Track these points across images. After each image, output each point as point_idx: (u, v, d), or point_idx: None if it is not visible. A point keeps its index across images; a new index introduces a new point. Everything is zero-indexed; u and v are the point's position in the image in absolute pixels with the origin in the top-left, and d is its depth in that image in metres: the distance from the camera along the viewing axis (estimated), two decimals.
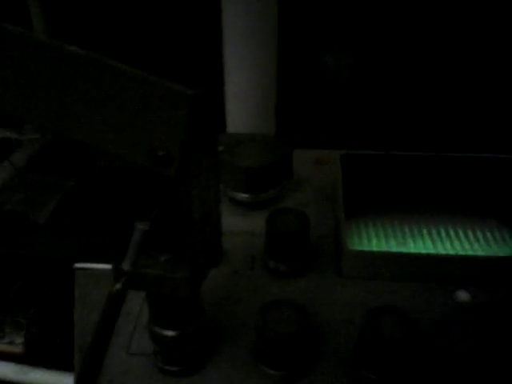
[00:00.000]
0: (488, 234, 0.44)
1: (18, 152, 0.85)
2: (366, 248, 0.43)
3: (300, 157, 0.48)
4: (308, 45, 0.81)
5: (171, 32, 0.84)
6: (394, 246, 0.43)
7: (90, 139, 0.22)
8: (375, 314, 0.30)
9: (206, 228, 0.26)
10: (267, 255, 0.38)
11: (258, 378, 0.31)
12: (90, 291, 0.38)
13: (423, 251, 0.43)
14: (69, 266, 0.39)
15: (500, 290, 0.35)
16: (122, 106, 0.21)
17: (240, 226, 0.42)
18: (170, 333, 0.29)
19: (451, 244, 0.43)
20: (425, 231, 0.45)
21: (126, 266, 0.25)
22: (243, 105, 0.55)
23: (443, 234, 0.44)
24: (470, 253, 0.42)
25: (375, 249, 0.43)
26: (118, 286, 0.26)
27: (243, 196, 0.43)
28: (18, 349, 0.71)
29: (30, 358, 0.70)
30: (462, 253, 0.42)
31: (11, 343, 0.71)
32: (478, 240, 0.44)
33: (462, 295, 0.36)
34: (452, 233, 0.44)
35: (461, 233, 0.44)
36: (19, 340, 0.71)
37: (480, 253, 0.42)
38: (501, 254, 0.42)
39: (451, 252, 0.43)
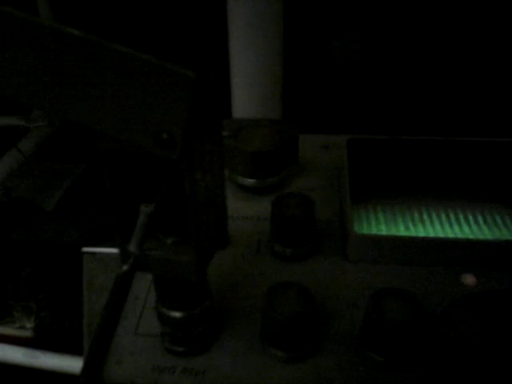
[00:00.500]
0: (497, 218, 0.44)
1: (26, 139, 0.86)
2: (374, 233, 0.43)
3: (306, 142, 0.48)
4: (315, 29, 0.80)
5: (177, 17, 0.84)
6: (402, 231, 0.43)
7: (92, 122, 0.22)
8: (380, 296, 0.30)
9: (210, 211, 0.26)
10: (273, 239, 0.38)
11: (264, 359, 0.31)
12: (97, 275, 0.38)
13: (432, 236, 0.43)
14: (77, 251, 0.40)
15: (508, 274, 0.35)
16: (124, 89, 0.21)
17: (246, 210, 0.43)
18: (176, 314, 0.30)
19: (460, 228, 0.43)
20: (434, 216, 0.44)
21: (132, 247, 0.25)
22: (249, 90, 0.55)
23: (452, 218, 0.44)
24: (480, 237, 0.42)
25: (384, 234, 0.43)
26: (126, 267, 0.26)
27: (249, 181, 0.43)
28: (27, 333, 0.72)
29: (39, 342, 0.71)
30: (471, 237, 0.42)
31: (21, 328, 0.72)
32: (487, 224, 0.43)
33: (468, 278, 0.36)
34: (461, 217, 0.44)
35: (470, 217, 0.44)
36: (29, 325, 0.72)
37: (489, 237, 0.42)
38: (510, 238, 0.42)
39: (460, 236, 0.42)
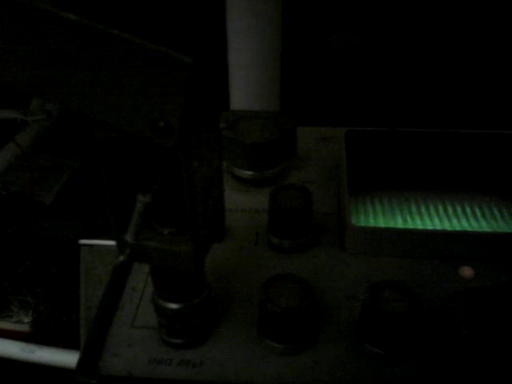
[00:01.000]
0: (495, 211, 0.44)
1: (24, 132, 0.85)
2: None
3: (304, 134, 0.48)
4: (314, 22, 0.80)
5: (175, 7, 0.83)
6: (400, 224, 0.43)
7: (88, 110, 0.22)
8: (378, 288, 0.30)
9: (207, 201, 0.26)
10: (271, 231, 0.38)
11: (261, 351, 0.31)
12: (95, 267, 0.38)
13: (430, 228, 0.42)
14: (76, 245, 0.40)
15: (506, 267, 0.35)
16: (121, 75, 0.20)
17: (244, 203, 0.43)
18: (173, 305, 0.30)
19: (458, 221, 0.43)
20: (432, 208, 0.44)
21: (128, 237, 0.25)
22: (247, 83, 0.55)
23: (450, 210, 0.44)
24: (478, 229, 0.42)
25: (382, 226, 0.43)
26: (122, 257, 0.26)
27: (247, 173, 0.43)
28: (25, 328, 0.72)
29: (37, 336, 0.71)
30: (469, 229, 0.42)
31: (19, 322, 0.72)
32: (485, 216, 0.43)
33: (466, 271, 0.36)
34: (459, 210, 0.44)
35: (468, 209, 0.44)
36: (27, 319, 0.72)
37: (487, 229, 0.42)
38: (508, 231, 0.42)
39: (458, 229, 0.42)
